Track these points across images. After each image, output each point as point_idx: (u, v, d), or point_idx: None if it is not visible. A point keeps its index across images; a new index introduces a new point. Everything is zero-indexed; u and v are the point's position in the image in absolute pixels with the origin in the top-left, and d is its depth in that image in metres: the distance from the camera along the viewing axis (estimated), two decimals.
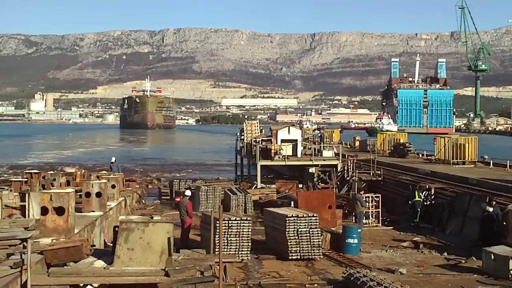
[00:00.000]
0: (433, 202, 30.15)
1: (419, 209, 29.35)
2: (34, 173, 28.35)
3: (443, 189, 31.00)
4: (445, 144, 45.38)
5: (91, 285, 12.98)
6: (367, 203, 29.98)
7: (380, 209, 30.40)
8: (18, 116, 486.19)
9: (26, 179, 27.07)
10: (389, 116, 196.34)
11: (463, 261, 21.24)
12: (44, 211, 16.52)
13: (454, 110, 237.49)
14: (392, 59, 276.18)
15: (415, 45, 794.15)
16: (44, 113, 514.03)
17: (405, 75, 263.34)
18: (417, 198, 29.66)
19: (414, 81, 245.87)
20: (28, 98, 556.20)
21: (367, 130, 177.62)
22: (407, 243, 25.13)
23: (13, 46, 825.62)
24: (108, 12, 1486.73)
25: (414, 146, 57.28)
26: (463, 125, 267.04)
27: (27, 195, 18.59)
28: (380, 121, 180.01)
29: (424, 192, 30.48)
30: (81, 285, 12.83)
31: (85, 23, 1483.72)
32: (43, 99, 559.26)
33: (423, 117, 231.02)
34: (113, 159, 43.15)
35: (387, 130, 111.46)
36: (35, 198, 17.81)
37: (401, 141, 59.69)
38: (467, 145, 43.53)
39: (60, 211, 16.48)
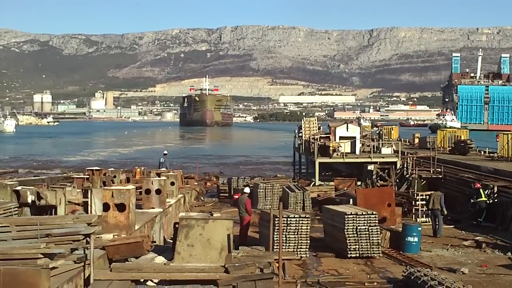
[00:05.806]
0: (496, 200, 29.42)
1: (484, 209, 28.59)
2: (95, 170, 28.83)
3: (506, 187, 30.19)
4: (508, 141, 44.30)
5: (151, 280, 13.14)
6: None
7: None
8: (80, 115, 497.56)
9: (87, 176, 27.52)
10: (452, 112, 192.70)
11: None
12: (106, 207, 16.81)
13: None
14: (453, 54, 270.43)
15: (476, 40, 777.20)
16: (104, 111, 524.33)
17: (467, 70, 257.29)
18: (483, 198, 28.83)
19: (476, 76, 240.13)
20: (89, 96, 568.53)
21: (430, 127, 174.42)
22: (469, 242, 24.55)
23: (75, 45, 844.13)
24: (166, 11, 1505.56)
25: (475, 143, 56.04)
26: None
27: (89, 191, 18.92)
28: (443, 117, 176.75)
29: (487, 190, 29.74)
30: (141, 280, 13.01)
31: (144, 22, 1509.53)
32: (103, 97, 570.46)
33: (484, 114, 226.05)
34: (165, 152, 44.05)
35: (450, 127, 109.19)
36: (97, 195, 18.11)
37: (462, 138, 58.58)
38: None
39: (121, 207, 16.74)
